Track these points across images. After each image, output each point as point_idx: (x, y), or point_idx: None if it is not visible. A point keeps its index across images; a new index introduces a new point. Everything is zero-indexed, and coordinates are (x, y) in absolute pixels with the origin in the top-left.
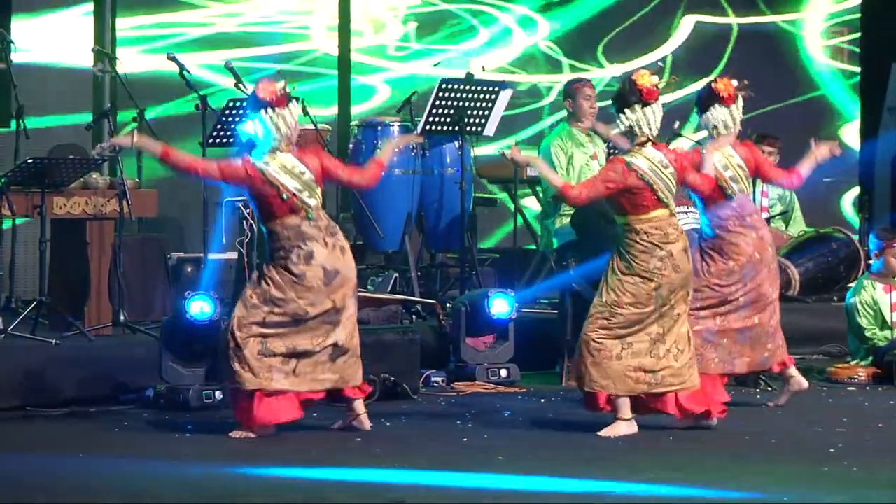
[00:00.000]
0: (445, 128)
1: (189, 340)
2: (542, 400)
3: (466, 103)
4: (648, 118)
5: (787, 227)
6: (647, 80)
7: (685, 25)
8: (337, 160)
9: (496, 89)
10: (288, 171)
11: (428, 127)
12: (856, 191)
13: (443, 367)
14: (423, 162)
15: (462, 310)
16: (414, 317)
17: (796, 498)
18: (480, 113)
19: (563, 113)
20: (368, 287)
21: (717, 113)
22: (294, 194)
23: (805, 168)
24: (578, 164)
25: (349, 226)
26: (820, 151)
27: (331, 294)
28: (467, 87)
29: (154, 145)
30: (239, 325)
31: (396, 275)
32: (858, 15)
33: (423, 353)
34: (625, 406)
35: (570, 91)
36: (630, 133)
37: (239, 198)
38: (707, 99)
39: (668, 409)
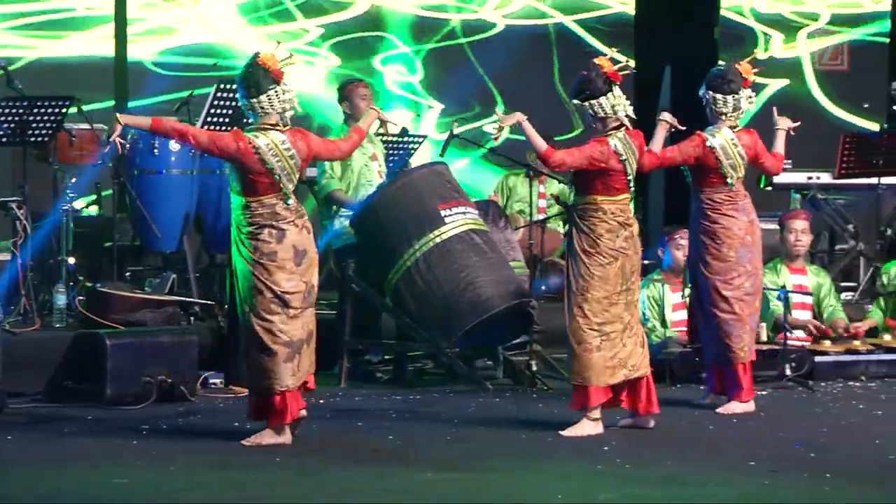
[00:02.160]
0: (224, 128)
1: None
2: (322, 400)
3: None
4: (621, 102)
5: (564, 227)
6: (608, 66)
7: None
8: (320, 139)
9: None
10: (279, 151)
11: (207, 127)
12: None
13: (221, 368)
14: (201, 161)
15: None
16: (192, 318)
17: (569, 497)
18: None
19: None
20: (146, 288)
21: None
22: (281, 176)
23: (781, 146)
24: (357, 165)
25: (126, 226)
26: (783, 122)
27: (302, 275)
28: None
29: (142, 120)
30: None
31: (174, 276)
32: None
33: (202, 354)
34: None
35: (345, 93)
36: (605, 119)
37: (11, 198)
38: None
39: (637, 404)
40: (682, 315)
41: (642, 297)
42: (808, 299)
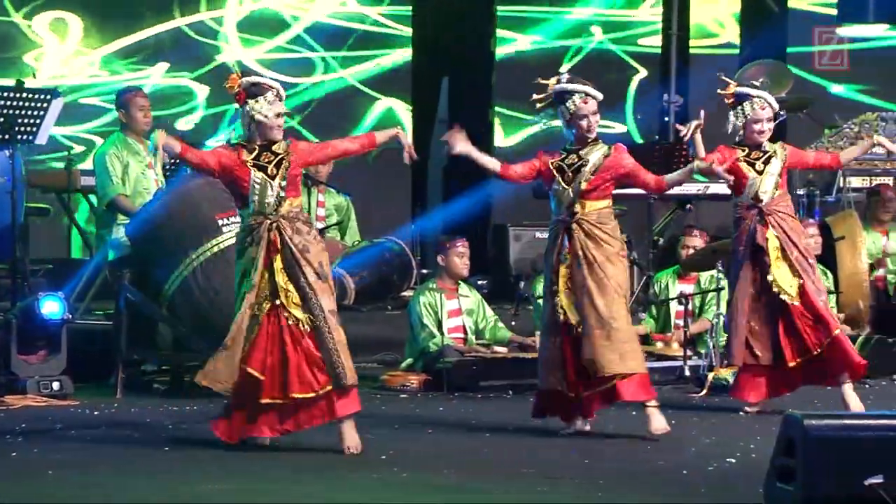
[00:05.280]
0: None
1: None
2: (97, 412)
3: (17, 111)
4: None
5: (342, 237)
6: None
7: None
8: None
9: (48, 97)
10: None
11: None
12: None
13: None
14: None
15: (12, 321)
16: None
17: None
18: (32, 121)
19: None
20: None
21: None
22: None
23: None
24: (134, 173)
25: None
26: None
27: None
28: (17, 95)
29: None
30: None
31: None
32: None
33: None
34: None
35: (123, 101)
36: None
37: None
38: None
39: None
40: (458, 322)
41: (419, 305)
42: None
